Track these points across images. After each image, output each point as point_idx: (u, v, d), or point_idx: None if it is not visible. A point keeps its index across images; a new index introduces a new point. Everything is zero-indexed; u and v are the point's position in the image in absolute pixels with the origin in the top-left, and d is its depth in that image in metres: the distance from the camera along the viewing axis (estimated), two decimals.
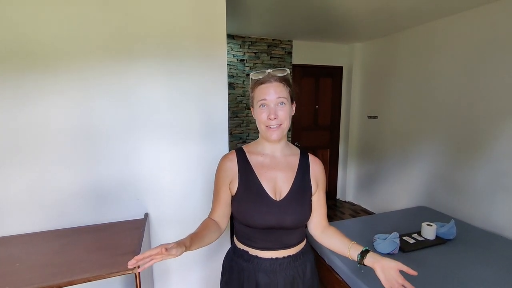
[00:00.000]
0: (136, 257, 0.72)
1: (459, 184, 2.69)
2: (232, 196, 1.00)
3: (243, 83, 3.65)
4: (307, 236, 1.08)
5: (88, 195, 1.59)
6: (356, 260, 0.92)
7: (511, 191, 2.28)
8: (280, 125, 0.93)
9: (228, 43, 3.42)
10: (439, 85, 2.87)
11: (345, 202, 4.38)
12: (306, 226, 1.05)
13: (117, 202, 1.65)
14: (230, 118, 3.48)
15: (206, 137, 1.80)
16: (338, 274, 1.83)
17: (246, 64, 3.64)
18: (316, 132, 4.23)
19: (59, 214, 1.54)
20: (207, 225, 0.97)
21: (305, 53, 3.91)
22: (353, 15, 2.77)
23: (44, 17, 1.42)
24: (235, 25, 3.08)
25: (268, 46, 3.72)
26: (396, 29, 3.26)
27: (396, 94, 3.44)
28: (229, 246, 1.26)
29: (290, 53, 3.84)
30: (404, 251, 1.89)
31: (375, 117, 3.82)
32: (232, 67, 3.56)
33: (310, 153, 1.09)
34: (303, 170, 1.02)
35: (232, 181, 0.98)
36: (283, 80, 0.95)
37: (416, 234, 2.10)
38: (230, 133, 3.65)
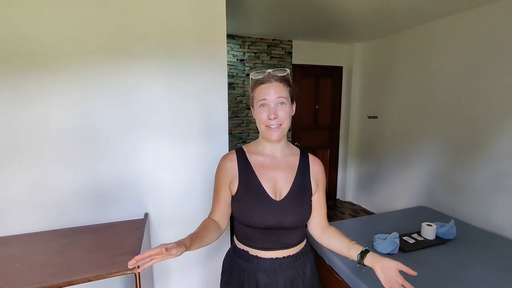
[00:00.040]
0: (136, 257, 0.72)
1: (459, 184, 2.69)
2: (232, 196, 1.00)
3: (243, 83, 3.65)
4: (307, 236, 1.08)
5: (88, 195, 1.59)
6: (356, 260, 0.92)
7: (511, 191, 2.28)
8: (280, 125, 0.93)
9: (228, 43, 3.42)
10: (439, 85, 2.87)
11: (345, 202, 4.38)
12: (306, 226, 1.06)
13: (117, 202, 1.65)
14: (230, 118, 3.48)
15: (206, 137, 1.81)
16: (338, 274, 1.83)
17: (246, 64, 3.64)
18: (316, 132, 4.23)
19: (59, 214, 1.54)
20: (207, 225, 0.97)
21: (305, 53, 3.91)
22: (353, 15, 2.77)
23: (44, 17, 1.42)
24: (235, 25, 3.08)
25: (268, 46, 3.72)
26: (396, 29, 3.26)
27: (396, 94, 3.44)
28: (229, 246, 1.26)
29: (290, 53, 3.84)
30: (404, 251, 1.89)
31: (375, 117, 3.82)
32: (232, 67, 3.56)
33: (310, 153, 1.09)
34: (303, 170, 1.02)
35: (232, 181, 0.98)
36: (283, 80, 0.95)
37: (416, 234, 2.10)
38: (230, 133, 3.65)
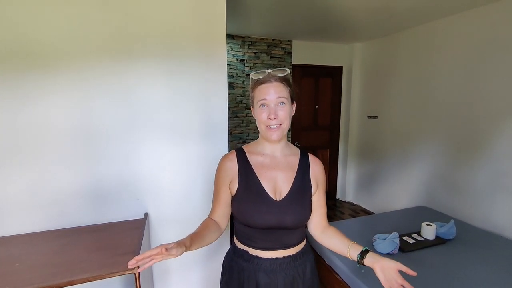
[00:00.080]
0: (136, 258, 0.73)
1: (459, 184, 2.69)
2: (232, 196, 1.00)
3: (243, 83, 3.65)
4: (307, 236, 1.08)
5: (88, 195, 1.59)
6: (356, 260, 0.92)
7: (511, 191, 2.28)
8: (280, 125, 0.93)
9: (228, 43, 3.42)
10: (439, 85, 2.87)
11: (345, 202, 4.39)
12: (306, 226, 1.06)
13: (117, 202, 1.65)
14: (230, 118, 3.48)
15: (206, 137, 1.81)
16: (338, 274, 1.83)
17: (246, 64, 3.64)
18: (316, 132, 4.23)
19: (59, 214, 1.54)
20: (207, 225, 0.97)
21: (305, 53, 3.91)
22: (353, 15, 2.77)
23: (44, 17, 1.42)
24: (235, 25, 3.08)
25: (268, 46, 3.72)
26: (396, 29, 3.26)
27: (396, 94, 3.45)
28: (229, 246, 1.26)
29: (290, 53, 3.84)
30: (404, 251, 1.89)
31: (375, 117, 3.82)
32: (232, 67, 3.56)
33: (310, 153, 1.09)
34: (303, 170, 1.02)
35: (232, 181, 0.98)
36: (283, 80, 0.95)
37: (415, 234, 2.10)
38: (230, 133, 3.65)
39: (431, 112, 2.98)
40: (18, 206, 1.47)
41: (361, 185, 4.16)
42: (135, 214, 1.68)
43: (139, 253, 1.21)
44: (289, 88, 0.96)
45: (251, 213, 0.94)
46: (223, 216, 1.02)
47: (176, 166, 1.76)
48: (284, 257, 0.98)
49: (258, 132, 1.02)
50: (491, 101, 2.41)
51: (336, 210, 4.05)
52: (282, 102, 0.93)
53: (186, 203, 1.81)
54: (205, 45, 1.72)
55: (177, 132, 1.73)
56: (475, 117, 2.55)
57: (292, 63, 3.87)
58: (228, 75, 3.41)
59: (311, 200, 1.01)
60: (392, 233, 1.92)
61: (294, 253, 1.00)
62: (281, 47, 3.79)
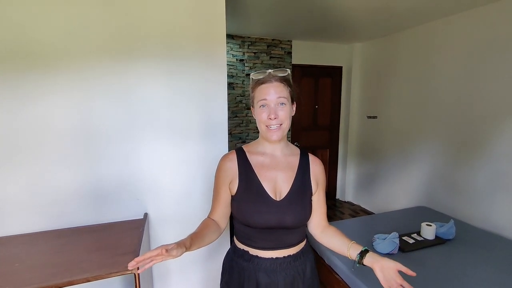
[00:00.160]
0: (136, 259, 0.72)
1: (458, 184, 2.70)
2: (232, 196, 1.00)
3: (242, 83, 3.65)
4: (307, 236, 1.08)
5: (88, 195, 1.59)
6: (356, 260, 0.93)
7: (511, 191, 2.29)
8: (281, 125, 0.94)
9: (227, 43, 3.42)
10: (439, 85, 2.87)
11: (345, 202, 4.39)
12: (306, 226, 1.06)
13: (117, 202, 1.65)
14: (229, 118, 3.48)
15: (206, 137, 1.81)
16: (337, 274, 1.83)
17: (246, 64, 3.64)
18: (315, 132, 4.23)
19: (59, 214, 1.54)
20: (207, 225, 0.97)
21: (305, 53, 3.91)
22: (353, 15, 2.77)
23: (44, 17, 1.42)
24: (235, 25, 3.08)
25: (268, 46, 3.72)
26: (396, 29, 3.26)
27: (396, 94, 3.45)
28: (229, 246, 1.26)
29: (289, 53, 3.84)
30: (404, 251, 1.90)
31: (374, 117, 3.82)
32: (231, 67, 3.56)
33: (310, 153, 1.09)
34: (303, 170, 1.02)
35: (232, 181, 0.98)
36: (283, 80, 0.95)
37: (415, 234, 2.10)
38: (230, 133, 3.65)
39: (431, 112, 2.98)
40: (18, 206, 1.47)
41: (361, 185, 4.16)
42: (135, 214, 1.69)
43: (139, 253, 1.21)
44: (289, 88, 0.96)
45: (251, 213, 0.94)
46: (222, 216, 1.02)
47: (176, 166, 1.76)
48: (284, 257, 0.98)
49: (258, 132, 1.02)
50: (491, 101, 2.41)
51: (336, 210, 4.06)
52: (282, 103, 0.93)
53: (186, 203, 1.82)
54: (205, 45, 1.73)
55: (177, 132, 1.74)
56: (475, 117, 2.55)
57: (292, 63, 3.87)
58: (228, 75, 3.42)
59: (311, 200, 1.02)
60: (392, 233, 1.92)
61: (294, 252, 1.00)
62: (281, 47, 3.79)
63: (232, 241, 1.10)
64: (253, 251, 0.98)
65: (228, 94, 3.44)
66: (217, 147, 1.83)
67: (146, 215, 1.67)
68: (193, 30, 1.69)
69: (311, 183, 1.02)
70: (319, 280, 1.12)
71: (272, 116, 0.91)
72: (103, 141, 1.59)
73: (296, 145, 1.11)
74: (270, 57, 3.75)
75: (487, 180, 2.45)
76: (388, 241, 1.86)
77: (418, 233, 2.11)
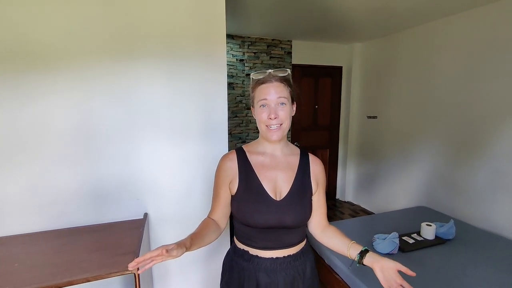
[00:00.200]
0: (136, 260, 0.73)
1: (458, 184, 2.70)
2: (232, 195, 1.00)
3: (242, 83, 3.65)
4: (307, 235, 1.08)
5: (88, 195, 1.59)
6: (356, 259, 0.93)
7: (511, 191, 2.29)
8: (281, 125, 0.94)
9: (227, 43, 3.42)
10: (439, 85, 2.87)
11: (345, 202, 4.39)
12: (306, 226, 1.06)
13: (117, 202, 1.65)
14: (229, 118, 3.48)
15: (206, 137, 1.81)
16: (337, 274, 1.83)
17: (246, 64, 3.64)
18: (315, 132, 4.23)
19: (59, 214, 1.54)
20: (207, 224, 0.97)
21: (305, 53, 3.91)
22: (353, 15, 2.77)
23: (44, 17, 1.42)
24: (235, 25, 3.08)
25: (268, 46, 3.72)
26: (396, 29, 3.26)
27: (396, 94, 3.45)
28: (229, 246, 1.26)
29: (289, 53, 3.84)
30: (404, 251, 1.90)
31: (374, 117, 3.82)
32: (231, 67, 3.56)
33: (310, 153, 1.09)
34: (303, 170, 1.02)
35: (232, 180, 0.98)
36: (284, 80, 0.95)
37: (415, 234, 2.10)
38: (230, 133, 3.65)
39: (431, 112, 2.98)
40: (18, 206, 1.47)
41: (361, 185, 4.17)
42: (135, 214, 1.69)
43: (139, 253, 1.21)
44: (289, 88, 0.96)
45: (251, 213, 0.94)
46: (222, 215, 1.02)
47: (176, 166, 1.76)
48: (284, 256, 0.98)
49: (258, 132, 1.02)
50: (491, 101, 2.42)
51: (336, 210, 4.06)
52: (283, 102, 0.93)
53: (186, 203, 1.82)
54: (205, 45, 1.73)
55: (177, 132, 1.74)
56: (475, 117, 2.55)
57: (292, 63, 3.87)
58: (227, 75, 3.42)
59: (311, 200, 1.02)
60: (392, 233, 1.92)
61: (294, 252, 1.00)
62: (281, 47, 3.79)
63: (232, 241, 1.10)
64: (253, 251, 0.98)
65: (228, 94, 3.44)
66: (217, 147, 1.83)
67: (146, 215, 1.67)
68: (193, 30, 1.69)
69: (311, 183, 1.02)
70: (319, 280, 1.12)
71: (272, 116, 0.91)
72: (103, 141, 1.59)
73: (296, 145, 1.11)
74: (270, 57, 3.75)
75: (487, 180, 2.45)
76: (388, 241, 1.86)
77: (418, 233, 2.11)
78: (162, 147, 1.71)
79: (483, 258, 1.84)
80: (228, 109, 3.46)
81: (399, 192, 3.46)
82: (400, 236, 2.00)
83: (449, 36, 2.75)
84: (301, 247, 1.03)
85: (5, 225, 1.45)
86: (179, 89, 1.71)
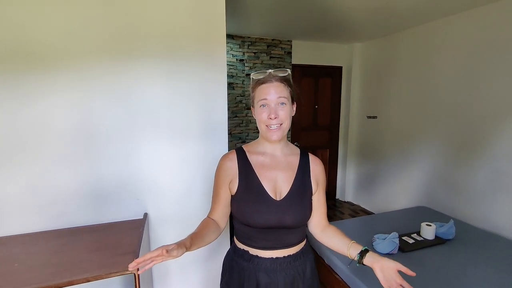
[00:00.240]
0: (137, 260, 0.72)
1: (458, 184, 2.70)
2: (232, 195, 1.00)
3: (242, 83, 3.65)
4: (307, 235, 1.08)
5: (88, 195, 1.59)
6: (356, 259, 0.93)
7: (511, 191, 2.29)
8: (281, 124, 0.94)
9: (227, 43, 3.42)
10: (439, 85, 2.87)
11: (345, 202, 4.39)
12: (306, 226, 1.06)
13: (117, 202, 1.65)
14: (229, 118, 3.48)
15: (206, 137, 1.81)
16: (337, 274, 1.83)
17: (246, 64, 3.64)
18: (315, 132, 4.23)
19: (59, 214, 1.54)
20: (207, 224, 0.97)
21: (305, 53, 3.91)
22: (353, 15, 2.77)
23: (44, 17, 1.42)
24: (235, 25, 3.08)
25: (268, 46, 3.72)
26: (396, 29, 3.26)
27: (396, 94, 3.45)
28: (229, 246, 1.26)
29: (289, 53, 3.84)
30: (404, 251, 1.90)
31: (374, 117, 3.82)
32: (231, 67, 3.56)
33: (310, 152, 1.09)
34: (303, 170, 1.02)
35: (232, 180, 0.98)
36: (284, 80, 0.95)
37: (415, 234, 2.10)
38: (230, 133, 3.65)
39: (431, 112, 2.98)
40: (18, 206, 1.47)
41: (361, 185, 4.17)
42: (135, 214, 1.68)
43: (138, 253, 1.21)
44: (289, 88, 0.96)
45: (251, 213, 0.94)
46: (222, 215, 1.02)
47: (176, 166, 1.76)
48: (284, 256, 0.98)
49: (258, 132, 1.02)
50: (491, 101, 2.42)
51: (336, 210, 4.06)
52: (283, 102, 0.93)
53: (186, 203, 1.82)
54: (205, 45, 1.73)
55: (177, 132, 1.74)
56: (475, 117, 2.55)
57: (292, 63, 3.87)
58: (228, 75, 3.42)
59: (311, 200, 1.02)
60: (392, 233, 1.92)
61: (294, 252, 1.00)
62: (281, 47, 3.79)
63: (232, 241, 1.10)
64: (253, 251, 0.98)
65: (228, 94, 3.44)
66: (217, 147, 1.83)
67: (146, 215, 1.67)
68: (193, 30, 1.69)
69: (311, 183, 1.02)
70: (319, 280, 1.12)
71: (272, 116, 0.91)
72: (103, 141, 1.59)
73: (296, 145, 1.11)
74: (270, 57, 3.75)
75: (487, 180, 2.45)
76: (388, 241, 1.86)
77: (418, 233, 2.11)
78: (162, 147, 1.71)
79: (483, 258, 1.84)
80: (228, 109, 3.46)
81: (399, 192, 3.46)
82: (400, 236, 2.01)
83: (449, 36, 2.75)
84: (301, 247, 1.03)
85: (5, 225, 1.45)
86: (179, 89, 1.71)
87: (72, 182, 1.55)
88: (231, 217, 1.05)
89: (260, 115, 0.94)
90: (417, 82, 3.13)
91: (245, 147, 1.05)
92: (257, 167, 0.99)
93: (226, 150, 1.82)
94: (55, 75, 1.46)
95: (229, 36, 3.46)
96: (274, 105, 0.92)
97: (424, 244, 1.97)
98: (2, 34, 1.37)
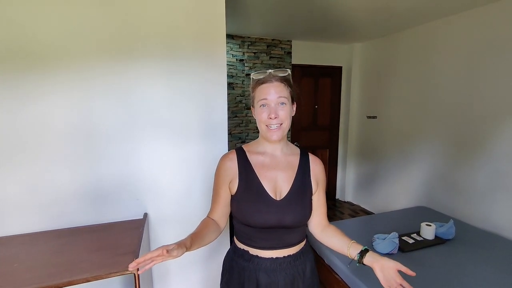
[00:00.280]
0: (137, 260, 0.72)
1: (458, 184, 2.70)
2: (232, 195, 1.00)
3: (242, 83, 3.65)
4: (307, 235, 1.08)
5: (88, 195, 1.59)
6: (356, 259, 0.93)
7: (511, 191, 2.29)
8: (281, 124, 0.94)
9: (227, 43, 3.42)
10: (439, 85, 2.87)
11: (344, 202, 4.39)
12: (306, 226, 1.06)
13: (117, 202, 1.65)
14: (229, 118, 3.48)
15: (206, 137, 1.81)
16: (337, 274, 1.83)
17: (246, 64, 3.64)
18: (315, 132, 4.23)
19: (58, 214, 1.54)
20: (207, 224, 0.98)
21: (305, 53, 3.91)
22: (353, 15, 2.77)
23: (44, 17, 1.42)
24: (235, 25, 3.08)
25: (268, 46, 3.72)
26: (396, 29, 3.26)
27: (396, 94, 3.45)
28: (229, 246, 1.26)
29: (289, 53, 3.84)
30: (403, 251, 1.90)
31: (374, 117, 3.82)
32: (231, 67, 3.56)
33: (310, 152, 1.09)
34: (303, 170, 1.02)
35: (232, 180, 0.98)
36: (284, 80, 0.95)
37: (415, 234, 2.10)
38: (230, 133, 3.65)
39: (431, 112, 2.98)
40: (18, 206, 1.47)
41: (361, 185, 4.17)
42: (135, 214, 1.68)
43: (138, 253, 1.21)
44: (289, 88, 0.96)
45: (251, 213, 0.94)
46: (222, 215, 1.02)
47: (176, 166, 1.76)
48: (284, 256, 0.98)
49: (258, 132, 1.02)
50: (491, 101, 2.42)
51: (336, 210, 4.06)
52: (283, 102, 0.93)
53: (186, 203, 1.81)
54: (205, 45, 1.72)
55: (177, 132, 1.74)
56: (475, 117, 2.55)
57: (292, 63, 3.87)
58: (228, 75, 3.42)
59: (311, 200, 1.02)
60: (392, 233, 1.92)
61: (294, 252, 1.00)
62: (281, 47, 3.79)
63: (232, 241, 1.10)
64: (253, 251, 0.98)
65: (228, 94, 3.44)
66: (217, 147, 1.83)
67: (146, 215, 1.67)
68: (193, 30, 1.69)
69: (311, 183, 1.02)
70: (319, 280, 1.12)
71: (273, 116, 0.91)
72: (103, 141, 1.59)
73: (296, 145, 1.11)
74: (270, 57, 3.75)
75: (487, 180, 2.45)
76: (388, 241, 1.86)
77: (418, 233, 2.11)
78: (162, 147, 1.71)
79: (483, 258, 1.84)
80: (228, 109, 3.46)
81: (399, 192, 3.46)
82: (400, 236, 2.01)
83: (449, 36, 2.75)
84: (301, 247, 1.03)
85: (5, 225, 1.45)
86: (179, 89, 1.71)
87: (72, 182, 1.55)
88: (231, 217, 1.05)
89: (260, 115, 0.94)
90: (417, 82, 3.13)
91: (245, 147, 1.05)
92: (257, 167, 0.99)
93: (226, 150, 1.82)
94: (55, 75, 1.46)
95: (229, 36, 3.46)
96: (274, 105, 0.93)
97: (424, 244, 1.98)
98: (2, 34, 1.37)
